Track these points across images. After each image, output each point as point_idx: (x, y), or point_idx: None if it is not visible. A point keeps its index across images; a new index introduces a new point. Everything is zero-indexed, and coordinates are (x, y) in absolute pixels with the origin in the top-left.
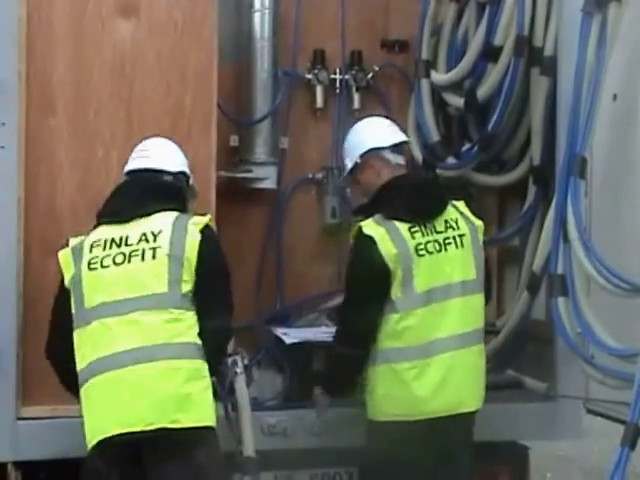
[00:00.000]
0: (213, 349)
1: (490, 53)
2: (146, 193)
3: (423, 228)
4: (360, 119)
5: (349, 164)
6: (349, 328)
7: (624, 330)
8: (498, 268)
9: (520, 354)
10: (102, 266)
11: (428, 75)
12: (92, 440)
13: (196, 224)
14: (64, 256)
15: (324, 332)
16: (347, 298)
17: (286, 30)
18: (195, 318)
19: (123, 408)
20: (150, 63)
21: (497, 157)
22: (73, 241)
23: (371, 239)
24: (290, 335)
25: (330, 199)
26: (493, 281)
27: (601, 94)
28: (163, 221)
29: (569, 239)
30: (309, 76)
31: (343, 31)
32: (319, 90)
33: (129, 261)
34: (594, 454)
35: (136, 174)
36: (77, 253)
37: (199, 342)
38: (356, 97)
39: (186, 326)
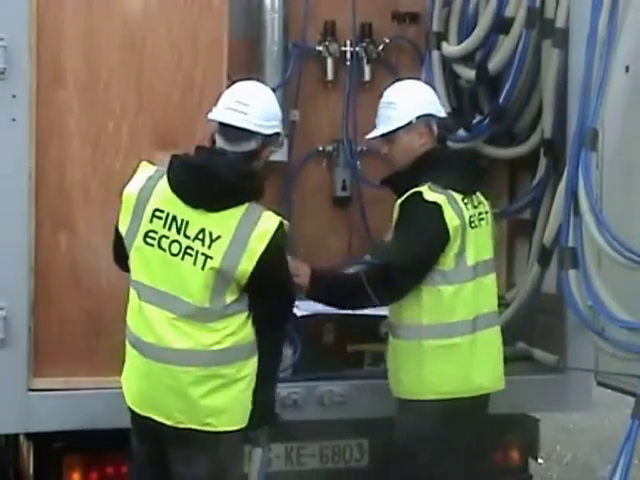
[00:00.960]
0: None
1: (501, 25)
2: (205, 182)
3: (470, 200)
4: (371, 91)
5: (398, 122)
6: (394, 289)
7: (635, 303)
8: (509, 241)
9: (531, 327)
10: (159, 246)
11: (439, 47)
12: (125, 401)
13: (260, 236)
14: (128, 198)
15: None
16: (403, 267)
17: (296, 2)
18: (239, 321)
19: (151, 396)
20: (160, 35)
21: (508, 129)
22: (141, 181)
23: (436, 206)
24: (300, 307)
25: (341, 172)
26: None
27: (613, 66)
28: (227, 225)
29: (580, 212)
30: (319, 48)
31: (354, 3)
32: (329, 62)
33: (182, 258)
34: (604, 426)
35: (226, 129)
36: (141, 204)
37: (237, 345)
38: (367, 69)
39: (223, 334)
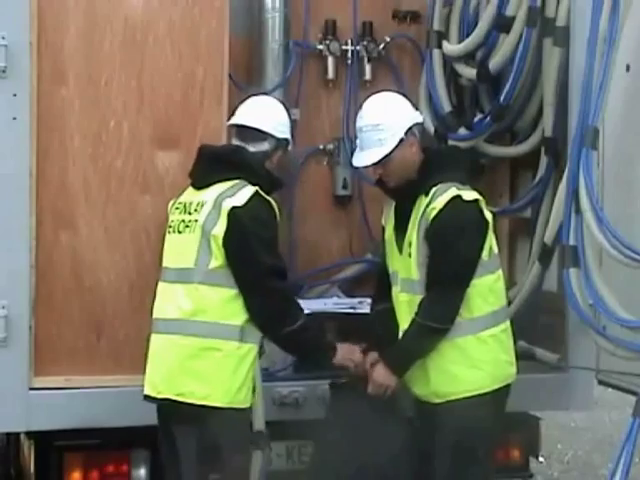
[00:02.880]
0: (260, 328)
1: (502, 23)
2: (211, 163)
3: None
4: (372, 90)
5: (391, 144)
6: (454, 304)
7: (636, 301)
8: (509, 239)
9: (532, 325)
10: (174, 231)
11: (440, 46)
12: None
13: (235, 201)
14: (170, 206)
15: (335, 303)
16: (458, 275)
17: (297, 1)
18: (229, 294)
19: (151, 372)
20: (161, 33)
21: (509, 128)
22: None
23: (476, 203)
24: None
25: (341, 170)
26: None
27: (614, 65)
28: (212, 193)
29: (581, 210)
30: (320, 47)
31: (354, 2)
32: (330, 61)
33: (183, 231)
34: (605, 425)
35: (242, 131)
36: (168, 211)
37: (227, 321)
38: (367, 68)
39: (212, 303)
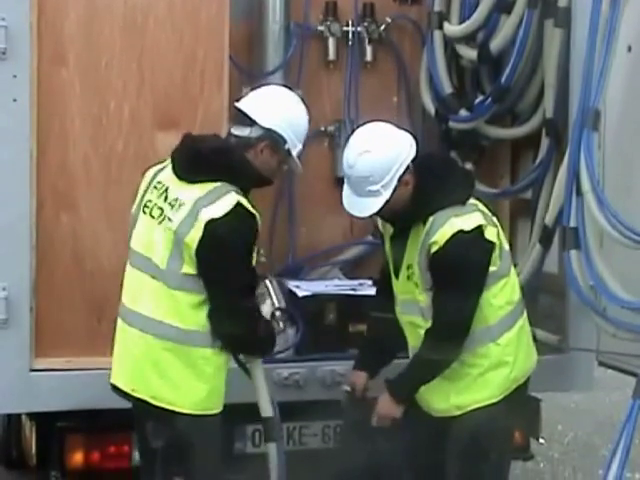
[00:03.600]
0: (227, 344)
1: (504, 4)
2: (194, 159)
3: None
4: (372, 71)
5: (386, 194)
6: (461, 336)
7: (636, 283)
8: (510, 221)
9: (532, 307)
10: (149, 213)
11: (441, 27)
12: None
13: (212, 211)
14: (144, 178)
15: (336, 285)
16: (464, 309)
17: None
18: (201, 299)
19: (121, 365)
20: (162, 15)
21: (510, 109)
22: (157, 166)
23: (479, 230)
24: (302, 288)
25: (342, 152)
26: None
27: (615, 46)
28: (192, 195)
29: (582, 192)
30: (321, 28)
31: None
32: (331, 42)
33: (157, 219)
34: (606, 406)
35: (237, 113)
36: (148, 182)
37: (198, 327)
38: (368, 49)
39: (185, 309)
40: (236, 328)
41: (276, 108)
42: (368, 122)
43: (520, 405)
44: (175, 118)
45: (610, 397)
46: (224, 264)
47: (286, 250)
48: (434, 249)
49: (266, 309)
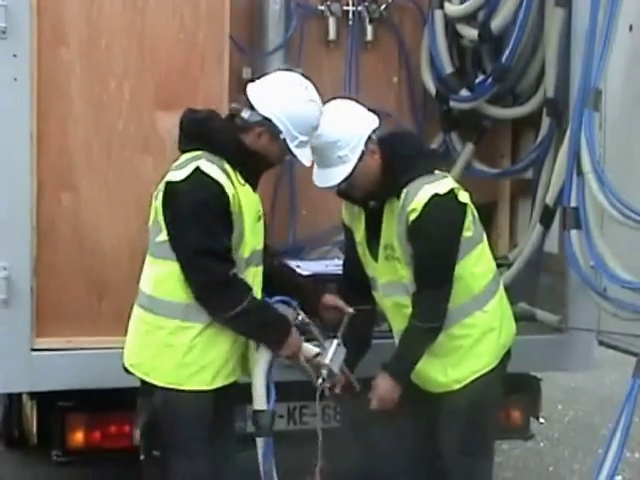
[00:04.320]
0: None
1: None
2: (185, 131)
3: None
4: (373, 51)
5: (353, 160)
6: (447, 298)
7: (637, 262)
8: (511, 200)
9: (533, 287)
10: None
11: (442, 6)
12: None
13: (167, 179)
14: None
15: (336, 265)
16: (446, 270)
17: None
18: (174, 269)
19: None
20: None
21: (511, 89)
22: None
23: (452, 193)
24: (302, 268)
25: None
26: None
27: (617, 25)
28: (174, 163)
29: (583, 172)
30: (321, 8)
31: None
32: (332, 22)
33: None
34: (605, 386)
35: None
36: None
37: (171, 298)
38: (369, 29)
39: (160, 278)
40: (205, 291)
41: (278, 97)
42: (332, 100)
43: (504, 372)
44: (175, 98)
45: (610, 376)
46: (181, 226)
47: (287, 230)
48: (413, 216)
49: (312, 353)
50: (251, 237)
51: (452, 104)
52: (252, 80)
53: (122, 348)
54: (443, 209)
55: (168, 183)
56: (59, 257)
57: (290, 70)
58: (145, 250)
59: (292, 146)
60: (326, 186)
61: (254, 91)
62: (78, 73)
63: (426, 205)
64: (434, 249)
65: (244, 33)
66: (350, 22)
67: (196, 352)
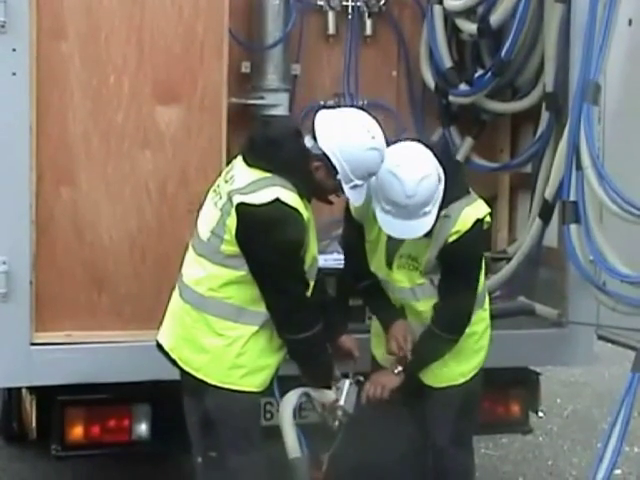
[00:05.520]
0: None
1: None
2: (253, 145)
3: None
4: (372, 45)
5: (435, 209)
6: (469, 313)
7: (636, 257)
8: (510, 195)
9: (532, 281)
10: (213, 191)
11: (441, 1)
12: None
13: (246, 204)
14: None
15: (335, 259)
16: (473, 288)
17: None
18: (234, 276)
19: (166, 326)
20: None
21: (510, 83)
22: None
23: (489, 217)
24: None
25: None
26: None
27: (616, 19)
28: (244, 180)
29: (582, 166)
30: (321, 2)
31: None
32: (331, 16)
33: (214, 198)
34: (605, 380)
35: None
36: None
37: (227, 301)
38: (368, 23)
39: (218, 283)
40: (279, 311)
41: (340, 138)
42: (395, 145)
43: None
44: (175, 91)
45: (609, 371)
46: (262, 250)
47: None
48: (453, 238)
49: (330, 399)
50: (312, 249)
51: (451, 98)
52: (251, 74)
53: (121, 342)
54: (481, 235)
55: (244, 205)
56: (58, 251)
57: (354, 107)
58: (145, 243)
59: (346, 187)
60: (407, 238)
61: (321, 123)
62: (77, 67)
63: (468, 231)
64: (467, 271)
65: (243, 27)
66: (349, 16)
67: (248, 354)
